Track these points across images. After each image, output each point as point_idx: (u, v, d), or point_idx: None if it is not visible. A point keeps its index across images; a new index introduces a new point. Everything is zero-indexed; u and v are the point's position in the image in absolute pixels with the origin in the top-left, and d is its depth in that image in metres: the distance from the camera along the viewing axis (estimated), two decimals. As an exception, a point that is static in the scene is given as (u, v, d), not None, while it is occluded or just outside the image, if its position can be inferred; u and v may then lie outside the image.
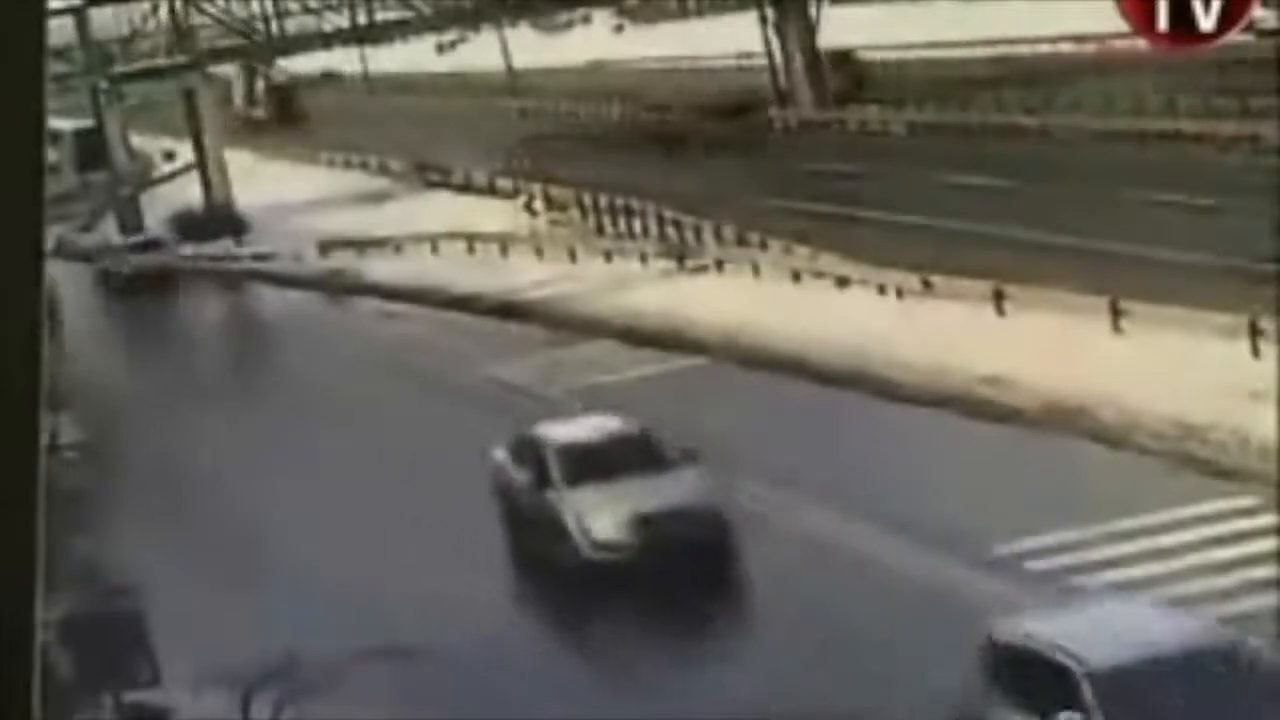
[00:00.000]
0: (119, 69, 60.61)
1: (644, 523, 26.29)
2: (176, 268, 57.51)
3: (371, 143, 68.61)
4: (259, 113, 75.21)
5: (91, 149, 59.98)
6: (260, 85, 76.02)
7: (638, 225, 51.90)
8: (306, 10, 62.41)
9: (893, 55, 65.91)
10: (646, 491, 26.73)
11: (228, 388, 43.83)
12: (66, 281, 46.52)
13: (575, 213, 55.38)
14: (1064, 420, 30.49)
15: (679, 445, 27.68)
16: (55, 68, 51.17)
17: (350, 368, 42.62)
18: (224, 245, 58.98)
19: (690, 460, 27.45)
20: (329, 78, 78.17)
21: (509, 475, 28.92)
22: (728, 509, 26.82)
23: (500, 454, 29.44)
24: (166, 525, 31.16)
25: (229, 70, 69.55)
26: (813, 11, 64.65)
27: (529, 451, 28.46)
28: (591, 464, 27.38)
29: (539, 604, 27.29)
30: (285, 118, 74.76)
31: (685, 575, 25.59)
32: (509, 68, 73.09)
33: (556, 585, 27.13)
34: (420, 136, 67.64)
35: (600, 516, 26.59)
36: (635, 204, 52.42)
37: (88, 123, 60.04)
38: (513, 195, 58.86)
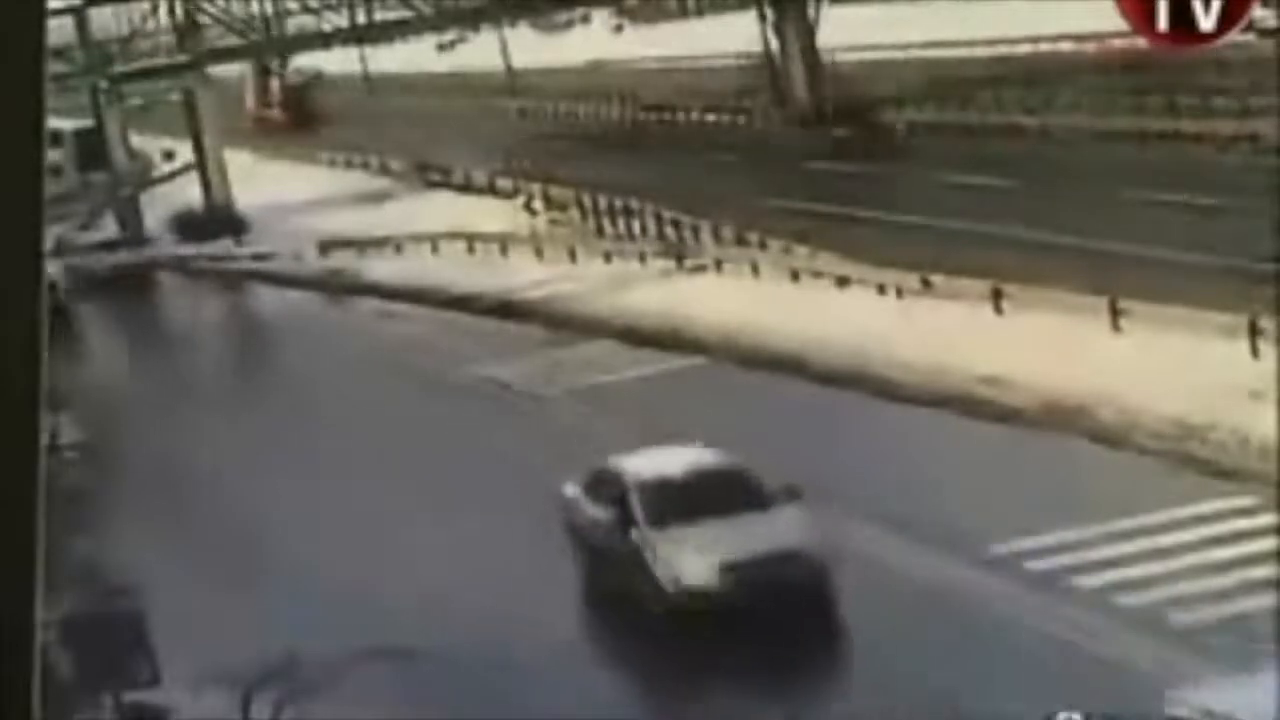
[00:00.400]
0: (118, 69, 60.59)
1: (739, 569, 23.94)
2: (149, 265, 57.45)
3: (371, 143, 68.61)
4: (274, 114, 74.63)
5: (91, 149, 59.98)
6: (275, 85, 75.37)
7: (637, 225, 51.89)
8: (306, 10, 62.39)
9: (893, 55, 65.96)
10: (742, 533, 24.34)
11: (218, 387, 43.82)
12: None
13: (575, 213, 55.37)
14: (1063, 420, 30.50)
15: (778, 480, 25.15)
16: (55, 68, 51.14)
17: (349, 367, 42.61)
18: (224, 245, 58.99)
19: (790, 498, 24.95)
20: (317, 79, 78.01)
21: (584, 512, 26.45)
22: (831, 553, 24.30)
23: (572, 489, 27.01)
24: (167, 524, 31.18)
25: (230, 70, 69.28)
26: (812, 11, 64.65)
27: (608, 487, 25.98)
28: (680, 503, 24.95)
29: (617, 652, 25.16)
30: (302, 119, 73.96)
31: (783, 625, 23.42)
32: (508, 68, 73.08)
33: (640, 634, 24.85)
34: (420, 136, 67.64)
35: (690, 561, 24.21)
36: (635, 204, 52.42)
37: (87, 123, 60.05)
38: (512, 195, 58.85)
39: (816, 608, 23.75)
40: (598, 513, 25.94)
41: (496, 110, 72.20)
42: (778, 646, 23.07)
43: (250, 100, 74.95)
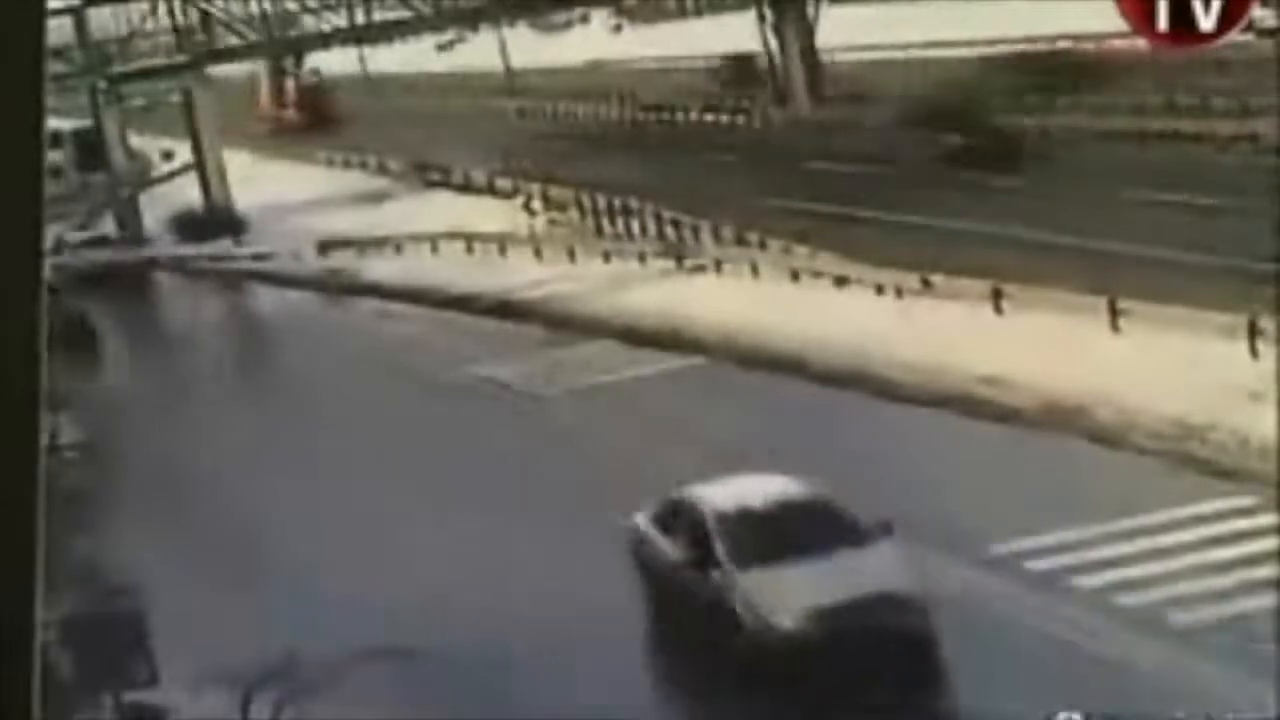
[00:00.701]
0: (117, 69, 60.58)
1: (833, 614, 22.03)
2: (142, 264, 57.41)
3: (371, 143, 68.59)
4: (289, 114, 73.86)
5: (90, 149, 59.97)
6: (290, 86, 74.46)
7: (636, 225, 51.89)
8: (306, 10, 62.37)
9: (893, 55, 65.96)
10: (836, 574, 22.38)
11: (218, 387, 43.78)
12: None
13: (574, 213, 55.36)
14: (1063, 420, 30.49)
15: (869, 514, 23.38)
16: (54, 68, 51.13)
17: (348, 367, 42.60)
18: (223, 245, 58.98)
19: (884, 533, 23.12)
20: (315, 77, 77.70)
21: (655, 547, 24.39)
22: (931, 593, 22.57)
23: (642, 520, 24.92)
24: (166, 524, 31.17)
25: (233, 70, 69.18)
26: (812, 11, 64.68)
27: (683, 520, 23.89)
28: (766, 539, 22.93)
29: (688, 696, 23.40)
30: (317, 120, 73.03)
31: (880, 675, 21.62)
32: (508, 68, 73.04)
33: (719, 682, 22.80)
34: (419, 136, 67.61)
35: (779, 605, 22.21)
36: (634, 204, 52.42)
37: (86, 123, 60.04)
38: (512, 195, 58.83)
39: (917, 655, 21.96)
40: (671, 548, 23.95)
41: (495, 110, 72.17)
42: (873, 698, 21.40)
43: (264, 101, 74.29)
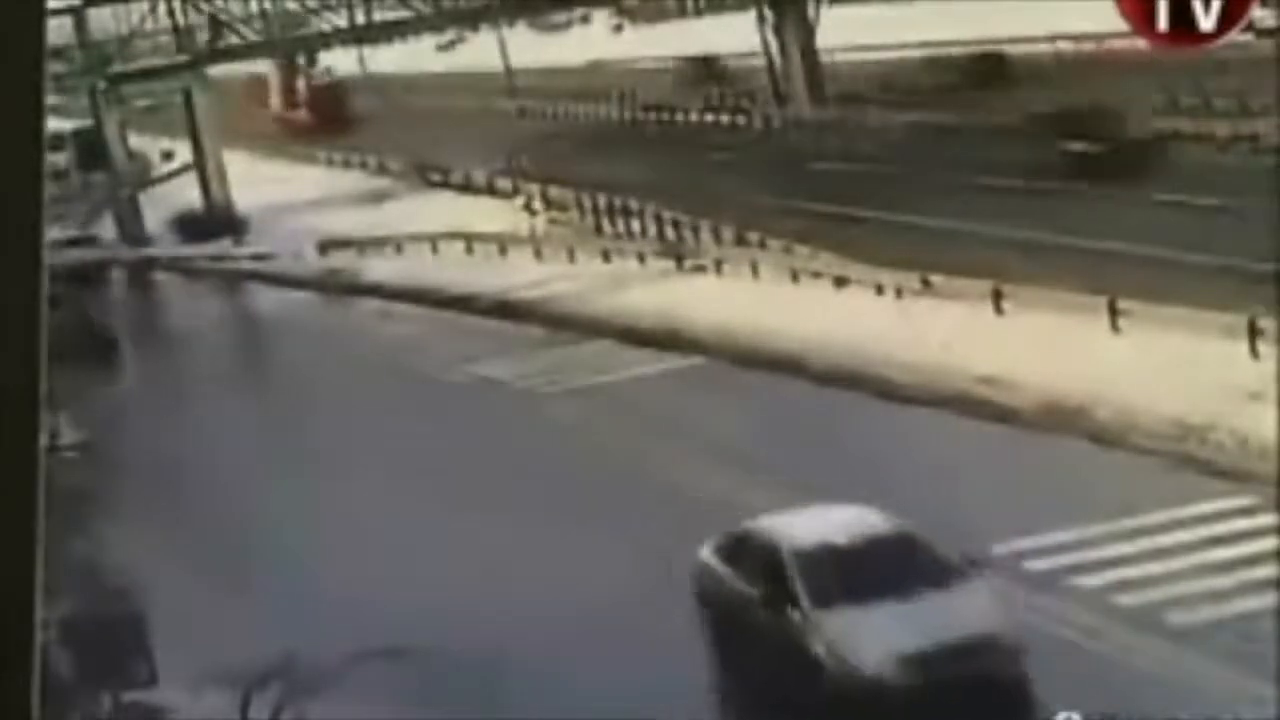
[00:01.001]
0: (117, 69, 60.59)
1: (924, 660, 20.55)
2: (114, 264, 57.47)
3: (371, 142, 68.59)
4: (300, 115, 72.90)
5: (90, 149, 59.98)
6: (301, 85, 73.43)
7: (636, 225, 51.91)
8: (306, 10, 62.36)
9: (893, 55, 65.98)
10: (926, 616, 20.90)
11: (218, 387, 43.77)
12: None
13: (574, 213, 55.38)
14: (1062, 420, 30.49)
15: (957, 549, 21.98)
16: (53, 68, 51.14)
17: (348, 367, 42.60)
18: (223, 245, 58.99)
19: (975, 570, 21.78)
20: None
21: (723, 583, 22.93)
22: (1024, 636, 21.15)
23: (708, 553, 23.40)
24: (166, 524, 31.17)
25: (236, 70, 69.09)
26: (812, 11, 64.69)
27: (756, 556, 22.40)
28: (849, 577, 21.42)
29: None
30: (330, 121, 71.95)
31: None
32: (508, 68, 73.04)
33: None
34: (419, 136, 67.61)
35: (865, 651, 20.72)
36: (634, 204, 52.43)
37: (86, 123, 60.05)
38: (512, 195, 58.85)
39: (1010, 704, 20.50)
40: (742, 585, 22.36)
41: (495, 110, 72.17)
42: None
43: (275, 101, 73.48)
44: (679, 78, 69.78)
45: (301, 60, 71.45)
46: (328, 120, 71.44)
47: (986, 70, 61.73)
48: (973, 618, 20.91)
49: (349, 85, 74.55)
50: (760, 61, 66.40)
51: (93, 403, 38.27)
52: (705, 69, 69.78)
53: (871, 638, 20.75)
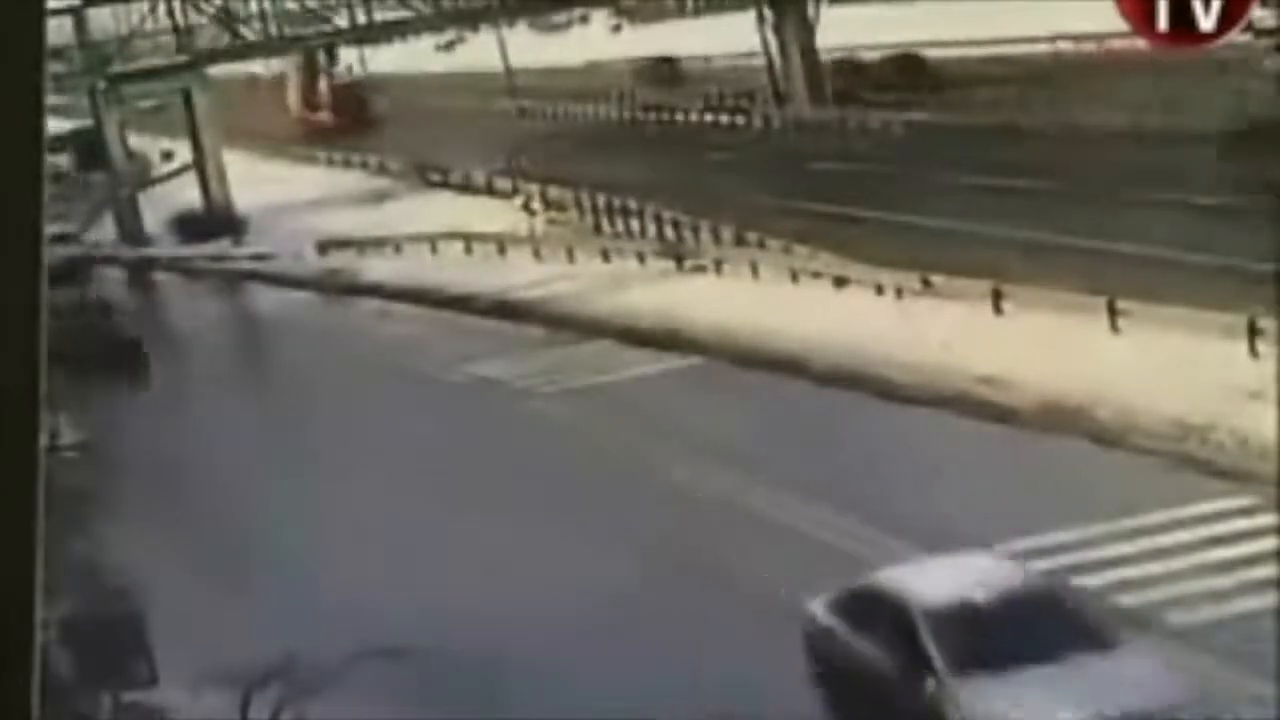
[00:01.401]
0: (117, 69, 60.63)
1: None
2: (91, 263, 57.48)
3: (371, 142, 68.62)
4: (322, 116, 71.75)
5: (90, 149, 60.04)
6: (324, 86, 72.19)
7: (636, 225, 51.94)
8: (306, 10, 62.40)
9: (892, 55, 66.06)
10: (1081, 684, 18.12)
11: (217, 388, 43.77)
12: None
13: (573, 213, 55.42)
14: (1062, 420, 30.48)
15: (1111, 609, 19.86)
16: (53, 68, 51.15)
17: (348, 367, 42.62)
18: (223, 245, 59.04)
19: (1133, 629, 19.71)
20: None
21: (842, 644, 20.25)
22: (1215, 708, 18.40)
23: (820, 609, 20.85)
24: (166, 524, 31.18)
25: (232, 70, 69.04)
26: (812, 11, 64.76)
27: (880, 614, 19.74)
28: (990, 641, 18.79)
29: None
30: (353, 122, 70.32)
31: None
32: (507, 68, 73.12)
33: None
34: (419, 136, 67.65)
35: None
36: (633, 204, 52.45)
37: (86, 123, 60.10)
38: (511, 195, 58.91)
39: None
40: (865, 647, 19.75)
41: (495, 110, 72.22)
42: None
43: (294, 101, 72.67)
44: (636, 79, 70.07)
45: (323, 60, 70.87)
46: (351, 121, 70.42)
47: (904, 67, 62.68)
48: (1142, 690, 18.06)
49: (369, 85, 73.53)
50: (760, 61, 66.51)
51: (92, 403, 38.30)
52: (668, 70, 70.20)
53: (1018, 708, 18.05)
